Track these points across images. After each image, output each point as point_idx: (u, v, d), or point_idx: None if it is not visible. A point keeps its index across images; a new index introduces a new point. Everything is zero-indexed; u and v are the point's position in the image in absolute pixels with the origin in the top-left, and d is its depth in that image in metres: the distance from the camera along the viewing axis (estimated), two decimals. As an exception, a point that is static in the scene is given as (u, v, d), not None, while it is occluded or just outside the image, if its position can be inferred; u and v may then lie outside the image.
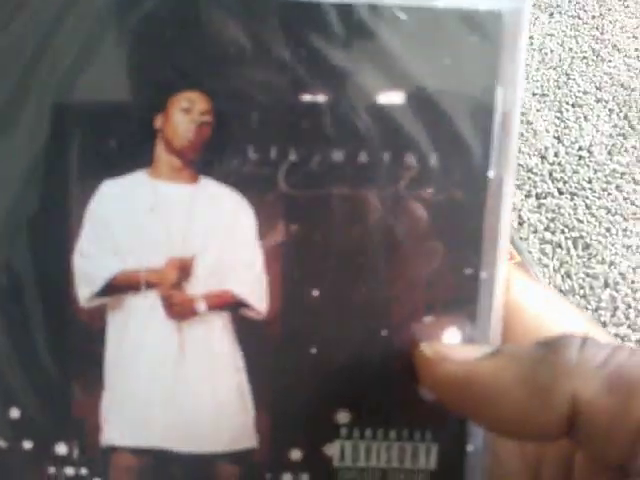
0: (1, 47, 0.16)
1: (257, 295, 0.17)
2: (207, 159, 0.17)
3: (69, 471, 0.18)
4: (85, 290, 0.17)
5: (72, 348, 0.17)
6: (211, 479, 0.18)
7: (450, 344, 0.17)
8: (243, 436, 0.18)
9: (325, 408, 0.18)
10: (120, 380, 0.18)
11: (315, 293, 0.17)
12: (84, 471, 0.18)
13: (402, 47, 0.16)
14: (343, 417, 0.18)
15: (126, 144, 0.16)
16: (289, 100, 0.16)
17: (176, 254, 0.17)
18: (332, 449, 0.18)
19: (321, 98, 0.16)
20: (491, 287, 0.17)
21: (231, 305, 0.17)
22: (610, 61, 0.89)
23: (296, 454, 0.18)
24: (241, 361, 0.18)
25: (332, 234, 0.17)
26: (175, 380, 0.18)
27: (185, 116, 0.16)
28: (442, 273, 0.17)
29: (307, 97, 0.16)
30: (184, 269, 0.17)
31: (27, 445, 0.17)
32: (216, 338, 0.18)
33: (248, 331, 0.17)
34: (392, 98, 0.17)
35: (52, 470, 0.18)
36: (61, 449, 0.18)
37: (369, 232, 0.17)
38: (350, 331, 0.18)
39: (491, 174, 0.17)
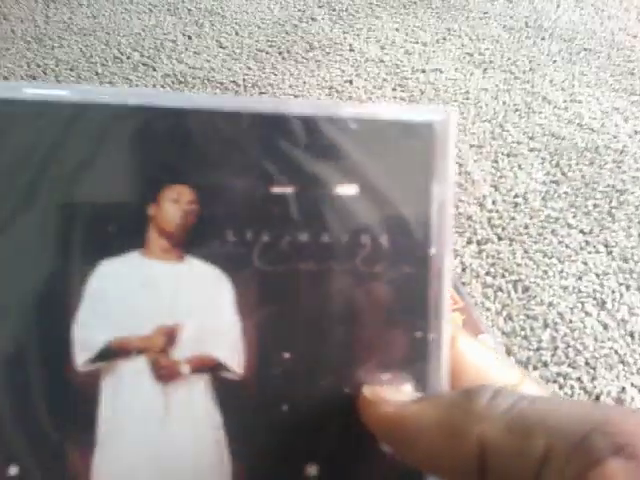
0: (12, 159, 0.19)
1: (235, 358, 0.20)
2: (192, 241, 0.20)
3: None
4: (82, 356, 0.19)
5: (68, 409, 0.19)
6: None
7: (387, 389, 0.19)
8: None
9: (296, 462, 0.20)
10: (111, 440, 0.19)
11: (286, 356, 0.20)
12: None
13: (354, 150, 0.20)
14: (312, 470, 0.20)
15: (123, 229, 0.19)
16: (262, 192, 0.20)
17: (163, 323, 0.19)
18: None
19: (289, 190, 0.20)
20: (438, 346, 0.20)
21: (212, 368, 0.20)
22: (541, 112, 0.95)
23: None
24: (220, 419, 0.19)
25: (300, 304, 0.20)
26: (160, 439, 0.19)
27: (174, 205, 0.19)
28: (396, 336, 0.20)
29: (277, 189, 0.20)
30: (170, 336, 0.19)
31: None
32: (198, 398, 0.20)
33: (226, 391, 0.20)
34: (347, 190, 0.20)
35: None
36: None
37: (332, 302, 0.20)
38: (317, 390, 0.20)
39: (432, 251, 0.20)
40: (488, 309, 0.66)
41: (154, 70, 1.03)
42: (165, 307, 0.19)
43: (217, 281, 0.20)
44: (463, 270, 0.70)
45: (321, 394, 0.20)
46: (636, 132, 0.91)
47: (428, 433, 0.18)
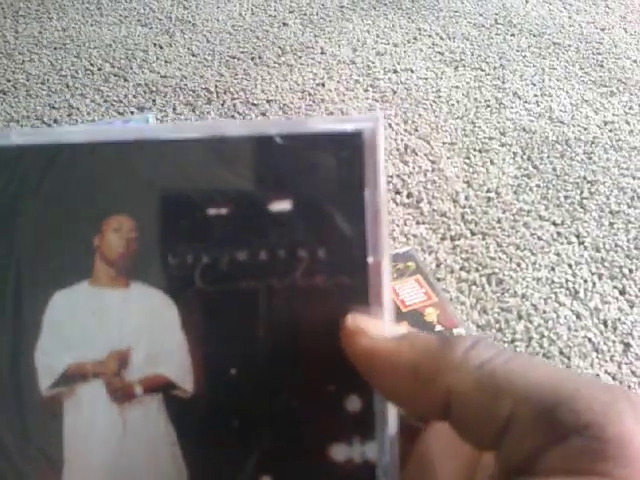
0: None
1: (184, 377, 0.20)
2: (136, 267, 0.20)
3: None
4: (45, 381, 0.20)
5: (38, 430, 0.20)
6: None
7: (372, 320, 0.19)
8: None
9: (248, 474, 0.20)
10: (76, 456, 0.20)
11: (233, 372, 0.20)
12: None
13: (284, 166, 0.20)
14: None
15: (72, 261, 0.20)
16: (198, 214, 0.20)
17: (115, 347, 0.20)
18: None
19: (223, 211, 0.20)
20: None
21: (163, 387, 0.20)
22: (512, 107, 0.96)
23: None
24: (174, 435, 0.20)
25: (243, 321, 0.20)
26: (120, 455, 0.20)
27: (116, 235, 0.20)
28: (338, 347, 0.20)
29: (212, 211, 0.20)
30: (122, 359, 0.20)
31: None
32: (152, 417, 0.20)
33: (178, 409, 0.20)
34: (281, 206, 0.20)
35: None
36: None
37: (275, 317, 0.20)
38: (265, 403, 0.20)
39: (370, 260, 0.20)
40: (463, 303, 0.66)
41: (125, 80, 1.03)
42: (115, 332, 0.20)
43: (162, 304, 0.20)
44: (438, 266, 0.71)
45: (268, 408, 0.20)
46: (606, 123, 0.92)
47: (399, 373, 0.18)
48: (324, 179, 0.20)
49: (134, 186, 0.20)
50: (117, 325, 0.20)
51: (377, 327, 0.19)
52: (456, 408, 0.17)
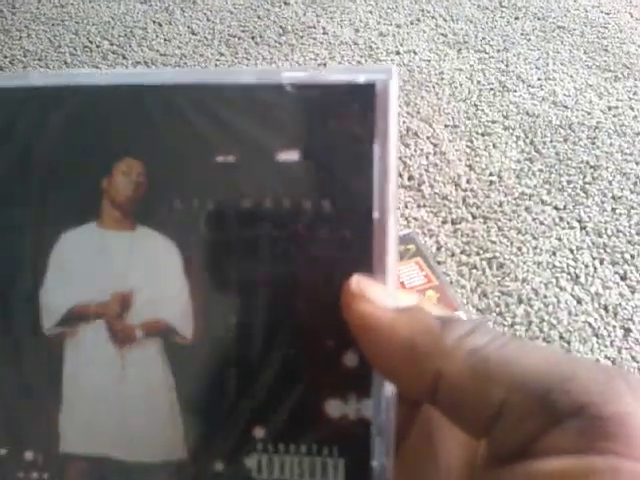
0: None
1: (184, 323, 0.20)
2: (143, 211, 0.21)
3: (34, 475, 0.21)
4: (48, 320, 0.21)
5: (38, 369, 0.21)
6: None
7: (377, 286, 0.19)
8: (174, 448, 0.20)
9: (244, 424, 0.20)
10: (75, 395, 0.21)
11: (233, 320, 0.20)
12: (46, 476, 0.21)
13: (294, 116, 0.20)
14: (259, 432, 0.20)
15: (80, 202, 0.21)
16: (206, 161, 0.20)
17: (119, 290, 0.21)
18: (250, 462, 0.20)
19: (231, 159, 0.20)
20: None
21: (163, 332, 0.20)
22: (515, 91, 0.95)
23: (219, 466, 0.20)
24: (172, 380, 0.20)
25: (245, 269, 0.20)
26: (118, 396, 0.20)
27: (125, 178, 0.20)
28: (339, 302, 0.19)
29: (220, 158, 0.20)
30: (125, 302, 0.21)
31: (2, 451, 0.21)
32: (151, 360, 0.21)
33: (177, 355, 0.20)
34: (289, 156, 0.20)
35: (21, 475, 0.21)
36: (29, 456, 0.21)
37: (275, 267, 0.20)
38: (264, 353, 0.20)
39: (375, 215, 0.19)
40: (463, 287, 0.66)
41: (124, 58, 1.01)
42: (120, 274, 0.21)
43: (166, 249, 0.20)
44: (438, 249, 0.70)
45: (266, 357, 0.20)
46: (610, 108, 0.92)
47: (392, 347, 0.17)
48: (334, 130, 0.20)
49: (145, 131, 0.20)
50: (121, 268, 0.21)
51: (380, 294, 0.18)
52: (445, 392, 0.16)
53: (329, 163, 0.20)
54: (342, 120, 0.20)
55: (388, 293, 0.19)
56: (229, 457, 0.20)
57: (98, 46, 1.04)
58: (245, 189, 0.20)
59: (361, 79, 0.19)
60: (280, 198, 0.20)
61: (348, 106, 0.19)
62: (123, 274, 0.20)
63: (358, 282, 0.19)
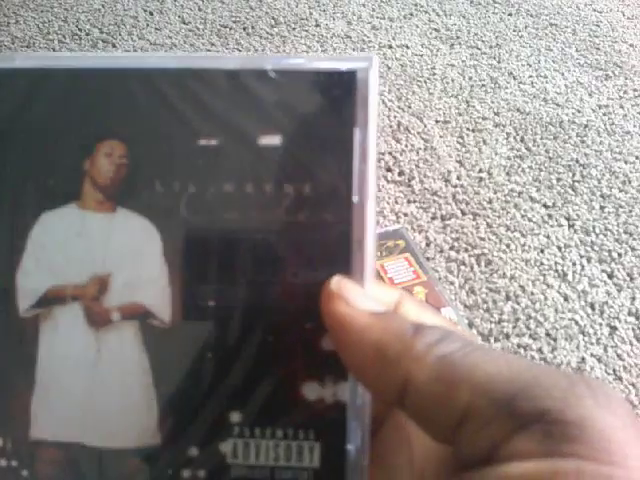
0: None
1: (162, 306, 0.20)
2: (123, 193, 0.20)
3: (2, 463, 0.20)
4: (24, 302, 0.21)
5: (12, 352, 0.20)
6: (122, 473, 0.20)
7: (356, 288, 0.19)
8: (148, 433, 0.20)
9: (219, 408, 0.20)
10: (48, 379, 0.20)
11: (212, 304, 0.20)
12: (14, 463, 0.20)
13: (276, 101, 0.20)
14: (235, 417, 0.20)
15: (62, 183, 0.20)
16: (188, 145, 0.20)
17: (96, 272, 0.20)
18: (226, 447, 0.20)
19: (214, 142, 0.20)
20: None
21: (141, 315, 0.20)
22: (507, 88, 0.95)
23: (194, 451, 0.20)
24: (147, 364, 0.20)
25: (225, 252, 0.20)
26: (92, 380, 0.20)
27: (107, 159, 0.20)
28: (319, 285, 0.19)
29: (203, 142, 0.20)
30: (102, 284, 0.20)
31: None
32: (127, 344, 0.20)
33: (154, 338, 0.20)
34: (270, 140, 0.20)
35: None
36: None
37: (255, 251, 0.20)
38: (241, 337, 0.20)
39: (355, 199, 0.20)
40: (451, 283, 0.66)
41: (114, 47, 1.00)
42: (98, 257, 0.20)
43: (146, 231, 0.20)
44: (427, 245, 0.70)
45: (243, 342, 0.20)
46: (600, 107, 0.92)
47: (364, 349, 0.18)
48: (315, 116, 0.20)
49: (128, 113, 0.20)
50: (100, 250, 0.20)
51: (358, 297, 0.19)
52: (413, 397, 0.17)
53: (310, 148, 0.20)
54: (324, 106, 0.20)
55: (367, 296, 0.19)
56: (204, 442, 0.20)
57: (88, 34, 1.03)
58: (226, 173, 0.20)
59: (343, 67, 0.20)
60: (261, 182, 0.20)
61: (330, 93, 0.20)
62: (102, 256, 0.20)
63: (338, 282, 0.19)
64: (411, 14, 1.13)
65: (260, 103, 0.20)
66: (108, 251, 0.20)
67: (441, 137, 0.85)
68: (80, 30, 1.04)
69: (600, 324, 0.63)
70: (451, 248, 0.70)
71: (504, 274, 0.67)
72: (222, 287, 0.20)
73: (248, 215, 0.20)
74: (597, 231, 0.73)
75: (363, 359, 0.18)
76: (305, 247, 0.20)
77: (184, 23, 1.07)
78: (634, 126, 0.88)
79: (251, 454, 0.20)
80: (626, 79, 0.98)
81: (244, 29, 1.06)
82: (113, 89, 0.20)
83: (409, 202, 0.75)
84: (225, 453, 0.20)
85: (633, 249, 0.71)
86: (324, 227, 0.20)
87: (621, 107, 0.92)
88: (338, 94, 0.20)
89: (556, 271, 0.68)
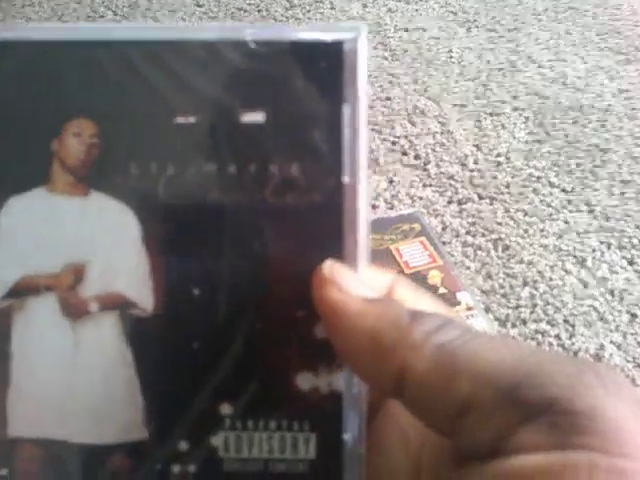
0: None
1: (143, 295, 0.19)
2: (96, 175, 0.19)
3: None
4: None
5: None
6: (106, 470, 0.19)
7: (349, 273, 0.18)
8: (133, 428, 0.19)
9: (209, 400, 0.19)
10: (24, 375, 0.19)
11: (196, 292, 0.19)
12: None
13: (258, 75, 0.19)
14: (226, 409, 0.19)
15: (28, 165, 0.19)
16: (165, 123, 0.19)
17: (71, 260, 0.19)
18: (217, 440, 0.19)
19: (192, 120, 0.19)
20: None
21: (120, 305, 0.19)
22: (525, 71, 0.94)
23: (183, 445, 0.19)
24: (130, 356, 0.19)
25: (208, 238, 0.19)
26: (70, 374, 0.19)
27: (76, 139, 0.19)
28: (309, 270, 0.18)
29: (180, 119, 0.19)
30: (78, 274, 0.19)
31: None
32: (107, 336, 0.19)
33: (136, 329, 0.19)
34: (253, 117, 0.19)
35: None
36: None
37: (240, 235, 0.19)
38: (228, 326, 0.19)
39: (345, 179, 0.18)
40: (468, 267, 0.65)
41: (128, 29, 1.00)
42: (72, 244, 0.19)
43: (123, 216, 0.19)
44: (443, 229, 0.69)
45: (231, 331, 0.19)
46: (621, 91, 0.90)
47: (358, 337, 0.17)
48: (300, 91, 0.19)
49: (99, 89, 0.19)
50: (73, 236, 0.19)
51: (352, 282, 0.18)
52: (411, 388, 0.16)
53: (296, 125, 0.19)
54: (310, 80, 0.19)
55: (361, 281, 0.18)
56: (193, 436, 0.19)
57: (102, 16, 1.02)
58: (207, 152, 0.19)
59: (329, 38, 0.18)
60: (245, 162, 0.19)
61: (315, 65, 0.18)
62: (75, 243, 0.19)
63: (330, 267, 0.18)
64: (428, -3, 1.11)
65: (241, 77, 0.19)
66: (82, 238, 0.19)
67: (458, 121, 0.84)
68: (94, 12, 1.03)
69: (620, 311, 0.62)
70: (467, 233, 0.69)
71: (522, 259, 0.66)
72: (207, 273, 0.19)
73: (232, 197, 0.19)
74: (617, 217, 0.71)
75: (357, 347, 0.17)
76: (294, 231, 0.19)
77: (198, 5, 1.06)
78: (656, 111, 0.86)
79: (244, 447, 0.19)
80: (648, 63, 0.96)
81: (259, 11, 1.05)
82: (81, 63, 0.19)
83: (425, 186, 0.74)
84: (216, 447, 0.19)
85: (654, 235, 0.69)
86: (313, 209, 0.19)
87: (643, 91, 0.90)
88: (324, 67, 0.18)
89: (575, 257, 0.67)
